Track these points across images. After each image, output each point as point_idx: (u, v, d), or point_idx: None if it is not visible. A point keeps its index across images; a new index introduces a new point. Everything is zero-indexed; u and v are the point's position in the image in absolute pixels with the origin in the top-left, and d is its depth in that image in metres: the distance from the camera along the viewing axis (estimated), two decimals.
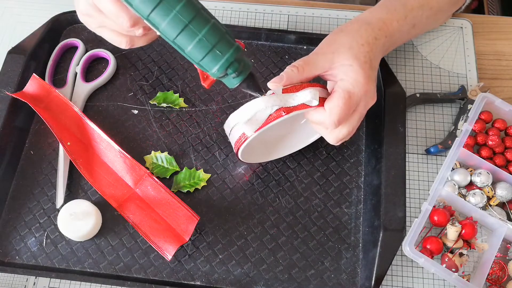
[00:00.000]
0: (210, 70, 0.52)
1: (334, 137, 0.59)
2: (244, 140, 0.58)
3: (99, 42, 0.76)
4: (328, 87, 0.61)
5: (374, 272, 0.60)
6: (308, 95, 0.56)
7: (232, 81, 0.54)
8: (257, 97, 0.56)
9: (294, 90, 0.57)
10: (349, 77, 0.57)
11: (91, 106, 0.72)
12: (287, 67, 0.58)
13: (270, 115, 0.56)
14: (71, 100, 0.71)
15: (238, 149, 0.60)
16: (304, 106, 0.56)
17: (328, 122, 0.56)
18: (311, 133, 0.67)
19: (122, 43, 0.57)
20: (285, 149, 0.68)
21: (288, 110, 0.56)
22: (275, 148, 0.68)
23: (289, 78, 0.57)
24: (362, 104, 0.58)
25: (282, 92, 0.57)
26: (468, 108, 0.69)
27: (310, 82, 0.59)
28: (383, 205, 0.62)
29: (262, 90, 0.56)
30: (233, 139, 0.61)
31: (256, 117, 0.57)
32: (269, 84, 0.57)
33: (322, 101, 0.57)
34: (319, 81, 0.60)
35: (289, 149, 0.68)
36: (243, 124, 0.57)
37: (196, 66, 0.53)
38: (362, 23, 0.62)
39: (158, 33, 0.51)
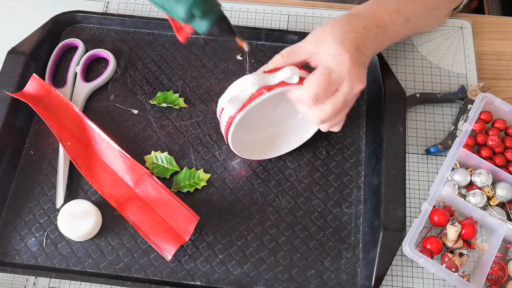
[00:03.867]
0: (176, 12, 0.51)
1: (317, 115, 0.58)
2: (231, 122, 0.58)
3: (99, 42, 0.76)
4: None
5: (374, 272, 0.60)
6: (288, 72, 0.57)
7: (201, 25, 0.52)
8: (232, 37, 0.56)
9: (275, 71, 0.58)
10: (332, 57, 0.57)
11: (91, 106, 0.72)
12: None
13: (252, 94, 0.57)
14: (71, 100, 0.71)
15: (227, 134, 0.60)
16: (284, 83, 0.57)
17: (306, 97, 0.56)
18: (307, 129, 0.67)
19: None
20: (282, 147, 0.68)
21: (269, 88, 0.57)
22: (271, 145, 0.68)
23: (274, 63, 0.59)
24: (346, 84, 0.57)
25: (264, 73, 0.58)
26: (468, 108, 0.69)
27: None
28: (383, 205, 0.62)
29: (236, 33, 0.55)
30: (222, 126, 0.61)
31: (239, 97, 0.57)
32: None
33: (302, 81, 0.57)
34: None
35: (286, 147, 0.68)
36: (226, 105, 0.57)
37: (165, 14, 0.53)
38: (351, 14, 0.63)
39: None
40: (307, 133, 0.68)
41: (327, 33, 0.60)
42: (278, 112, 0.66)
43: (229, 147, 0.63)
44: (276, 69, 0.58)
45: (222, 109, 0.60)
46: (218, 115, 0.62)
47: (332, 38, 0.58)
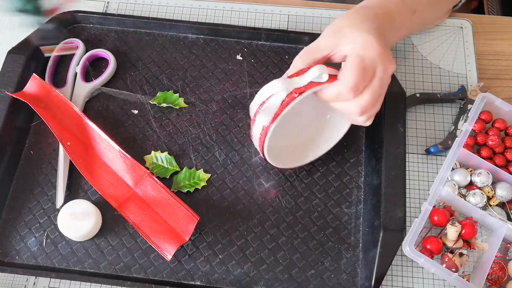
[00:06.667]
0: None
1: (357, 107, 0.56)
2: (266, 133, 0.57)
3: (99, 42, 0.76)
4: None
5: (374, 272, 0.60)
6: (316, 71, 0.55)
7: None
8: None
9: (301, 73, 0.56)
10: (358, 43, 0.56)
11: (91, 106, 0.72)
12: None
13: (283, 100, 0.55)
14: (71, 100, 0.71)
15: (263, 145, 0.58)
16: (314, 84, 0.55)
17: (345, 90, 0.54)
18: (337, 129, 0.65)
19: None
20: (313, 151, 0.66)
21: (300, 91, 0.55)
22: (303, 151, 0.67)
23: (295, 66, 0.57)
24: (380, 68, 0.56)
25: (289, 78, 0.56)
26: (468, 108, 0.69)
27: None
28: (383, 205, 0.62)
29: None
30: (255, 137, 0.59)
31: (270, 106, 0.56)
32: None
33: (334, 78, 0.55)
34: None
35: (317, 151, 0.66)
36: (259, 116, 0.56)
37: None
38: (360, 6, 0.62)
39: None
40: (337, 134, 0.66)
41: (344, 25, 0.58)
42: (307, 116, 0.65)
43: (264, 157, 0.61)
44: (302, 71, 0.56)
45: (254, 120, 0.58)
46: (251, 126, 0.59)
47: (350, 28, 0.57)
